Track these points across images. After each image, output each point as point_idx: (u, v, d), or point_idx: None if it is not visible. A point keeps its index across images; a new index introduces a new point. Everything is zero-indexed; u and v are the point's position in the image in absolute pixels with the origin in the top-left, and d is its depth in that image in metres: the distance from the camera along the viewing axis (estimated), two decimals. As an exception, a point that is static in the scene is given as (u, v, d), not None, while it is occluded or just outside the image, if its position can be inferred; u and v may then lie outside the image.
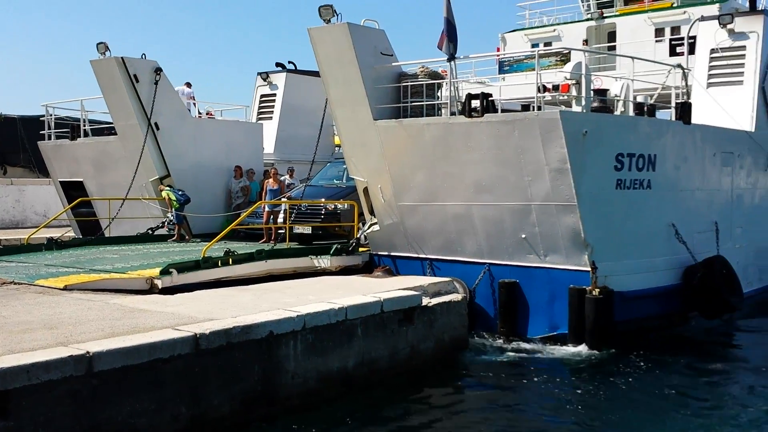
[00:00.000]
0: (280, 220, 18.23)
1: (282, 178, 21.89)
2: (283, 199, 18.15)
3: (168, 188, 19.31)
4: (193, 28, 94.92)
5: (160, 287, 13.23)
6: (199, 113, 23.09)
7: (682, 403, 11.19)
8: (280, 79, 25.32)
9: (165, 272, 13.50)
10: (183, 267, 13.91)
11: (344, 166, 18.63)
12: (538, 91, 13.72)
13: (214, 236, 16.55)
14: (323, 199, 17.92)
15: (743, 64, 17.97)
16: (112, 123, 20.96)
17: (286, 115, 24.99)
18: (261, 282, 14.34)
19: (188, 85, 23.30)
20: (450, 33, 14.35)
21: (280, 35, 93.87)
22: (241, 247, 16.16)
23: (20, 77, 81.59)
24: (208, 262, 14.40)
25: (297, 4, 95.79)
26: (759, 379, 12.58)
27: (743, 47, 18.01)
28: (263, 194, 19.41)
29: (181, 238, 19.28)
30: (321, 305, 11.10)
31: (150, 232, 19.97)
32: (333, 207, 17.57)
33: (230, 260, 14.81)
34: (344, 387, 11.11)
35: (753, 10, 18.64)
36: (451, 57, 14.46)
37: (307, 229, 17.34)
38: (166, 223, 19.57)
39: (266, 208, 18.13)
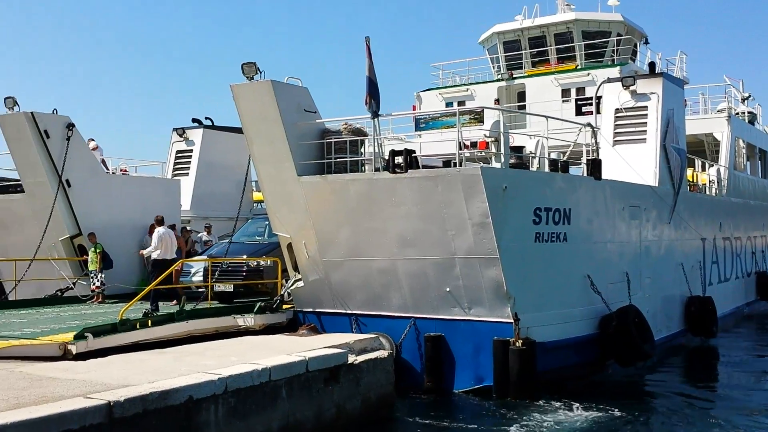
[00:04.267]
0: (196, 279, 17.81)
1: (199, 235, 21.51)
2: (204, 257, 17.76)
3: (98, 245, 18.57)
4: (106, 82, 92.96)
5: (74, 353, 12.53)
6: (107, 168, 22.15)
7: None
8: (196, 134, 25.01)
9: (80, 336, 12.83)
10: (99, 330, 13.28)
11: (266, 222, 18.50)
12: (459, 147, 14.11)
13: (128, 297, 15.95)
14: (245, 256, 17.64)
15: (646, 123, 19.08)
16: (18, 180, 20.13)
17: (203, 171, 24.63)
18: (181, 344, 13.88)
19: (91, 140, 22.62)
20: (372, 91, 14.64)
21: (196, 90, 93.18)
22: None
23: None
24: (125, 325, 13.80)
25: (213, 59, 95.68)
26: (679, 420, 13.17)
27: (645, 107, 19.15)
28: None
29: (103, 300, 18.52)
30: (243, 367, 10.80)
31: (59, 294, 19.12)
32: (255, 264, 17.30)
33: (149, 322, 14.30)
34: (269, 452, 10.66)
35: (653, 73, 19.91)
36: (375, 114, 14.72)
37: (228, 287, 16.98)
38: (99, 283, 18.56)
39: None
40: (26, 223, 19.72)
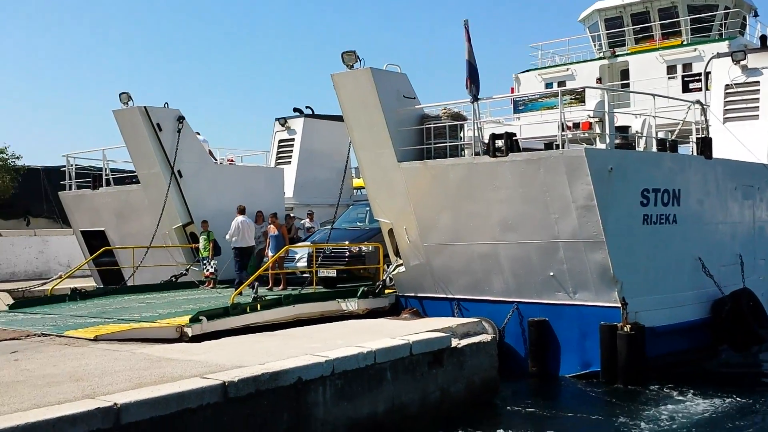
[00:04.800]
0: (301, 265, 18.23)
1: (302, 221, 22.00)
2: (308, 243, 18.17)
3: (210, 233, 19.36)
4: (211, 75, 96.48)
5: (190, 335, 13.18)
6: (214, 158, 22.92)
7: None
8: (298, 124, 25.59)
9: (195, 320, 13.46)
10: (212, 314, 13.87)
11: (366, 209, 18.74)
12: (561, 129, 13.86)
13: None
14: (347, 242, 17.95)
15: (758, 99, 18.26)
16: (134, 172, 21.19)
17: (305, 160, 25.21)
18: (288, 327, 14.26)
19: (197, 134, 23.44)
20: (472, 75, 14.57)
21: (296, 80, 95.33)
22: (264, 293, 16.02)
23: (44, 128, 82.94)
24: (237, 309, 14.36)
25: (312, 49, 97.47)
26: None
27: (757, 83, 18.34)
28: (267, 240, 18.74)
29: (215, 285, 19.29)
30: (349, 349, 10.94)
31: (173, 279, 20.03)
32: (357, 249, 17.57)
33: (258, 306, 14.80)
34: (375, 435, 10.77)
35: (764, 46, 18.95)
36: (475, 98, 14.64)
37: (332, 273, 17.33)
38: (213, 270, 19.31)
39: (270, 254, 17.82)
40: (142, 213, 20.73)
